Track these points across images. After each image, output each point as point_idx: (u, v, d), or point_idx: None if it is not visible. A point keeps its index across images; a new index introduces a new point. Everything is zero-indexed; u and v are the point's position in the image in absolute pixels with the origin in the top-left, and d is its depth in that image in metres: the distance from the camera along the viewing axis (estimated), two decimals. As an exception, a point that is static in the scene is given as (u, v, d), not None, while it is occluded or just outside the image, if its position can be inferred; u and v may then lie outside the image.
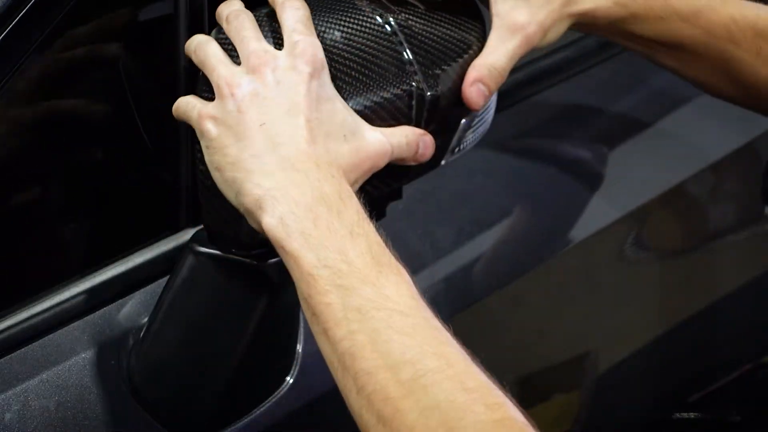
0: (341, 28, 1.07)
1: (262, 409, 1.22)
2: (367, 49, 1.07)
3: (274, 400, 1.23)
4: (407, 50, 1.07)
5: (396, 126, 1.06)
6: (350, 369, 0.93)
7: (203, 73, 1.05)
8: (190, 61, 1.08)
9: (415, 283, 0.97)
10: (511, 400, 0.91)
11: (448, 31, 1.10)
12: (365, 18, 1.08)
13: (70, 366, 1.16)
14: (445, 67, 1.08)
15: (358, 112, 1.05)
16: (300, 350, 1.23)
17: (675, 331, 1.67)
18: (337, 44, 1.06)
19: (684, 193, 1.68)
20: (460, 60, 1.09)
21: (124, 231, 1.23)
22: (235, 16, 1.06)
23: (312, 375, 1.23)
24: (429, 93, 1.07)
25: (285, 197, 0.98)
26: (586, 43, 1.65)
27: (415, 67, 1.07)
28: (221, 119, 1.01)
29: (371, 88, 1.06)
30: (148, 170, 1.24)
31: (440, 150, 1.11)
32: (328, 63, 1.05)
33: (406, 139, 1.05)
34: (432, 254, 1.42)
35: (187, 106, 1.05)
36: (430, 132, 1.07)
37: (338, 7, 1.09)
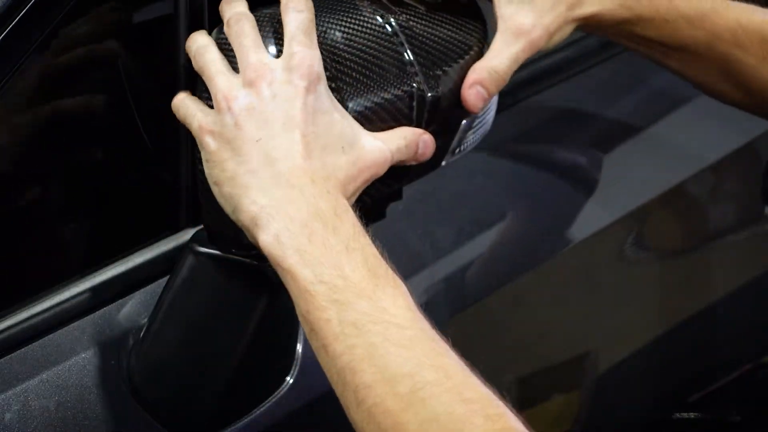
0: (342, 28, 1.07)
1: (262, 409, 1.22)
2: (368, 49, 1.06)
3: (274, 400, 1.23)
4: (408, 51, 1.07)
5: (396, 126, 1.06)
6: (350, 383, 0.93)
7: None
8: (190, 60, 1.08)
9: (412, 294, 0.97)
10: (511, 410, 0.91)
11: (449, 32, 1.10)
12: (366, 19, 1.08)
13: (70, 366, 1.16)
14: (446, 68, 1.08)
15: (358, 112, 1.05)
16: (300, 350, 1.23)
17: (675, 331, 1.67)
18: (338, 45, 1.06)
19: (684, 193, 1.68)
20: (461, 61, 1.09)
21: (124, 231, 1.23)
22: (236, 20, 1.05)
23: (312, 375, 1.23)
24: (430, 94, 1.06)
25: (280, 214, 0.98)
26: (586, 43, 1.65)
27: (416, 68, 1.07)
28: (219, 132, 1.01)
29: (372, 88, 1.06)
30: (148, 170, 1.24)
31: (441, 151, 1.11)
32: (328, 63, 1.05)
33: (405, 141, 1.05)
34: (432, 254, 1.42)
35: (187, 111, 1.05)
36: (431, 132, 1.07)
37: (339, 7, 1.09)
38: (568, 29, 1.12)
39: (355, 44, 1.07)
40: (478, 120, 1.15)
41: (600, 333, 1.60)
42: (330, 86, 1.04)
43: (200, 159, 1.04)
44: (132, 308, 1.20)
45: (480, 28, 1.11)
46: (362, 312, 0.94)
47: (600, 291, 1.60)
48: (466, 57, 1.09)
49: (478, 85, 1.08)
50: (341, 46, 1.06)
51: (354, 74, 1.05)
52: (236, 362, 1.16)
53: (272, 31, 1.06)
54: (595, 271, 1.59)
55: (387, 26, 1.08)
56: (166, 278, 1.16)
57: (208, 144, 1.02)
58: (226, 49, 1.06)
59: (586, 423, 1.61)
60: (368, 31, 1.07)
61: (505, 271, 1.48)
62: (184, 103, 1.06)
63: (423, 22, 1.09)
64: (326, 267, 0.96)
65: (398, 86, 1.06)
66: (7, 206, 1.16)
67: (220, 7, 1.09)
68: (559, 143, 1.63)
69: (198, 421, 1.19)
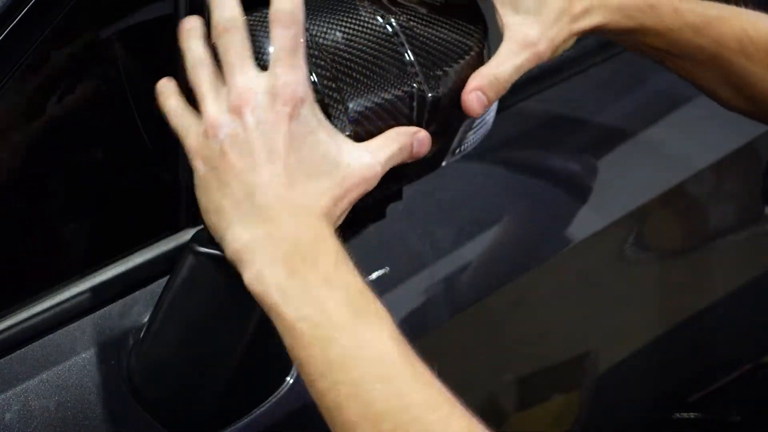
0: (342, 29, 1.07)
1: (262, 409, 1.22)
2: (368, 50, 1.06)
3: (274, 400, 1.23)
4: (408, 51, 1.07)
5: (396, 126, 1.06)
6: (337, 420, 0.94)
7: None
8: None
9: (396, 323, 0.97)
10: None
11: (450, 33, 1.10)
12: (366, 19, 1.08)
13: (70, 366, 1.16)
14: (447, 69, 1.08)
15: (358, 113, 1.04)
16: (300, 350, 1.23)
17: (675, 331, 1.67)
18: (338, 45, 1.06)
19: (684, 193, 1.68)
20: (462, 62, 1.09)
21: (124, 231, 1.23)
22: (224, 30, 1.02)
23: (312, 375, 1.23)
24: (430, 94, 1.06)
25: (261, 250, 0.98)
26: (586, 43, 1.65)
27: (417, 68, 1.07)
28: (207, 158, 1.01)
29: (372, 89, 1.05)
30: (148, 170, 1.24)
31: (441, 151, 1.11)
32: (328, 64, 1.04)
33: (398, 146, 1.04)
34: (432, 254, 1.42)
35: (181, 125, 1.03)
36: (431, 133, 1.07)
37: (339, 8, 1.09)
38: (572, 40, 1.13)
39: (356, 44, 1.06)
40: (479, 120, 1.15)
41: (600, 333, 1.60)
42: (330, 86, 1.04)
43: None
44: (132, 308, 1.20)
45: (480, 28, 1.11)
46: (345, 347, 0.94)
47: (600, 291, 1.60)
48: (467, 57, 1.09)
49: (479, 91, 1.08)
50: (341, 47, 1.06)
51: (354, 74, 1.05)
52: (236, 362, 1.15)
53: (266, 36, 1.04)
54: (595, 271, 1.59)
55: (387, 26, 1.08)
56: (166, 278, 1.16)
57: (198, 169, 1.02)
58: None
59: (586, 423, 1.61)
60: (368, 31, 1.07)
61: (504, 271, 1.48)
62: (177, 115, 1.04)
63: (423, 22, 1.09)
64: (307, 304, 0.96)
65: (398, 86, 1.06)
66: (7, 206, 1.16)
67: (211, 8, 1.05)
68: (559, 143, 1.63)
69: (198, 421, 1.19)
